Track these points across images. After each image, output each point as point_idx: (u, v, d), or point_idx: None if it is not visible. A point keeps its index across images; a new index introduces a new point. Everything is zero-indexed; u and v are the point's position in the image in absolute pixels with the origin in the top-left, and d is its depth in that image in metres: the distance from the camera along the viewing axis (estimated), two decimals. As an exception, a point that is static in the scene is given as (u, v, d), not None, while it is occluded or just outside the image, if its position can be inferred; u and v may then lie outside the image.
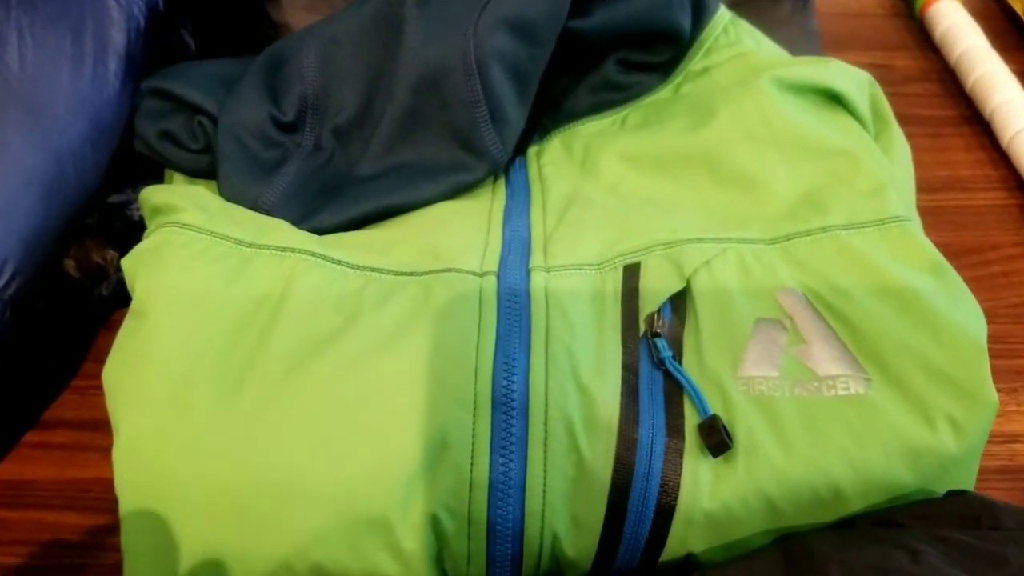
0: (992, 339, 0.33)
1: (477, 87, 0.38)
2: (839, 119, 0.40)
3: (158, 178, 0.44)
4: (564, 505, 0.30)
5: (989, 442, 0.32)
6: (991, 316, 0.34)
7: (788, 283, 0.34)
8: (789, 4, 0.54)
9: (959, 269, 0.34)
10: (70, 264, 0.43)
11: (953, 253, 0.35)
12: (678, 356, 0.32)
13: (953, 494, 0.30)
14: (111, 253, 0.44)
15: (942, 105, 0.61)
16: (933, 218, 0.40)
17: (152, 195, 0.37)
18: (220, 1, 0.52)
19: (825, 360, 0.32)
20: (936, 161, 0.56)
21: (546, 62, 0.41)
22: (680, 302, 0.33)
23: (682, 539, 0.30)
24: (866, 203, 0.36)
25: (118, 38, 0.42)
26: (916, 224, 0.36)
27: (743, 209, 0.36)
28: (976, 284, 0.35)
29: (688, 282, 0.33)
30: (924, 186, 0.43)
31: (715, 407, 0.31)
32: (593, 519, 0.30)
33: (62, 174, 0.39)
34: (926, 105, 0.61)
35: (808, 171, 0.37)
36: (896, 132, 0.42)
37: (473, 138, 0.39)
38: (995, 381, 0.31)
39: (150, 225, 0.36)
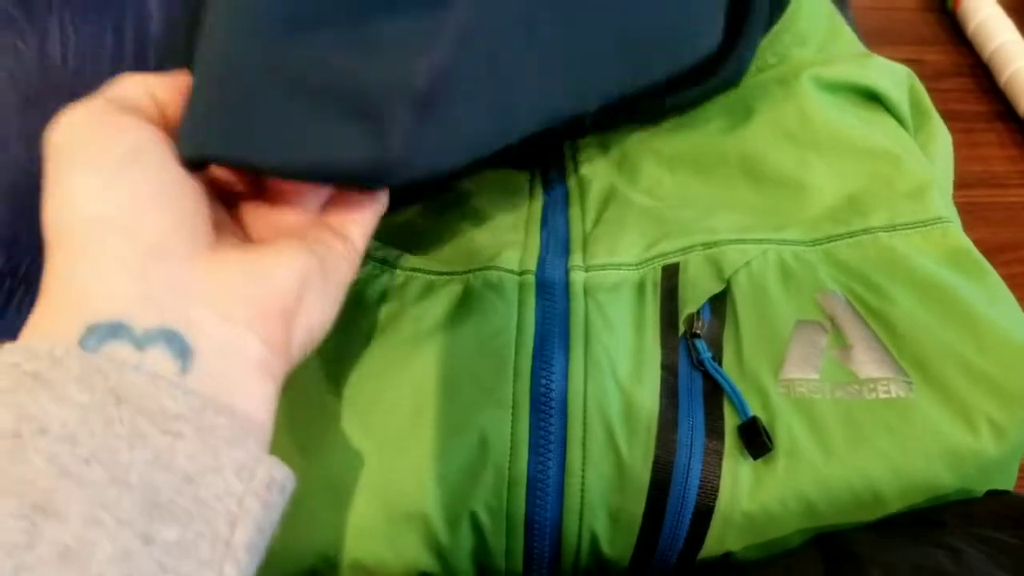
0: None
1: None
2: (878, 118, 0.39)
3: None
4: (602, 504, 0.31)
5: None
6: (1025, 315, 0.33)
7: (829, 284, 0.34)
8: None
9: (993, 266, 0.34)
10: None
11: (987, 250, 0.35)
12: (717, 357, 0.33)
13: (993, 494, 0.30)
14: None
15: (976, 100, 0.61)
16: (967, 214, 0.40)
17: None
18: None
19: (866, 363, 0.32)
20: (970, 156, 0.56)
21: None
22: (720, 303, 0.33)
23: (720, 538, 0.30)
24: (907, 204, 0.35)
25: (157, 31, 0.42)
26: (957, 224, 0.36)
27: (783, 210, 0.36)
28: (1010, 282, 0.35)
29: (728, 283, 0.33)
30: (958, 182, 0.42)
31: (755, 409, 0.31)
32: (631, 518, 0.31)
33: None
34: (959, 100, 0.61)
35: (849, 172, 0.37)
36: (937, 124, 0.42)
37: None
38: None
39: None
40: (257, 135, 0.26)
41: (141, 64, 0.41)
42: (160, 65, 0.42)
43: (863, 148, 0.37)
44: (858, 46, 0.44)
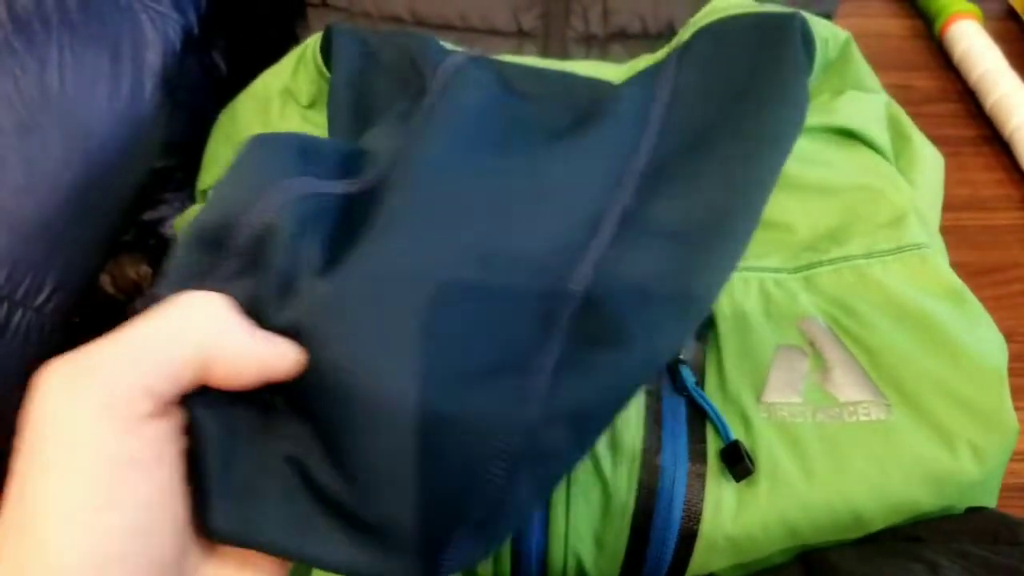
0: (1013, 358, 0.33)
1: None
2: (856, 153, 0.40)
3: (190, 197, 0.46)
4: (588, 529, 0.31)
5: (1010, 460, 0.33)
6: (1011, 335, 0.34)
7: (809, 310, 0.34)
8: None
9: (979, 288, 0.35)
10: (106, 280, 0.44)
11: (973, 272, 0.36)
12: (700, 382, 0.33)
13: (972, 510, 0.31)
14: (145, 269, 0.45)
15: (963, 125, 0.62)
16: (954, 237, 0.40)
17: (184, 222, 0.38)
18: (252, 23, 0.53)
19: (846, 386, 0.32)
20: (957, 180, 0.57)
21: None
22: (702, 329, 0.34)
23: (704, 562, 0.31)
24: (885, 233, 0.36)
25: (153, 59, 0.43)
26: (937, 248, 0.37)
27: (765, 241, 0.37)
28: (996, 303, 0.35)
29: (711, 310, 0.34)
30: (945, 205, 0.43)
31: (737, 432, 0.32)
32: (616, 543, 0.31)
33: (99, 191, 0.40)
34: (947, 125, 0.61)
35: (827, 210, 0.38)
36: (918, 147, 0.42)
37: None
38: (1015, 399, 0.32)
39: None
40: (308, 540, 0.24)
41: (137, 89, 0.42)
42: (155, 91, 0.43)
43: (841, 186, 0.38)
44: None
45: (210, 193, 0.28)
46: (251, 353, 0.24)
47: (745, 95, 0.36)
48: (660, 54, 0.42)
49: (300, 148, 0.31)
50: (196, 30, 0.46)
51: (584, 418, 0.26)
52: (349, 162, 0.33)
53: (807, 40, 0.39)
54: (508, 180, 0.34)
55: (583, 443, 0.26)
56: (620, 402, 0.26)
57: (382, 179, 0.32)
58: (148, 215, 0.46)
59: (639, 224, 0.31)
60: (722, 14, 0.39)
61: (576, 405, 0.26)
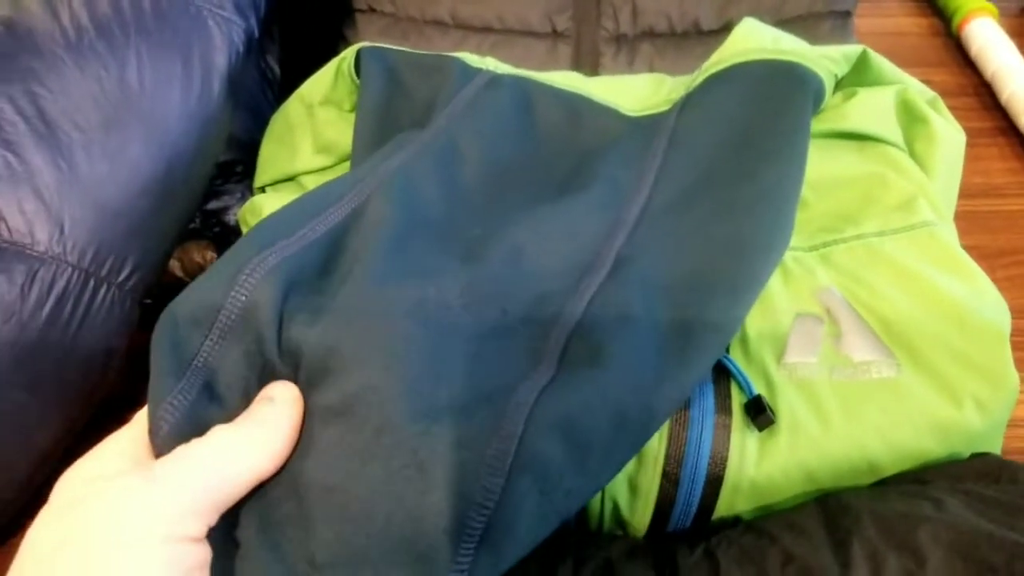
0: (1020, 332, 0.36)
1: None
2: (868, 148, 0.43)
3: (250, 189, 0.49)
4: (623, 476, 0.34)
5: (1013, 426, 0.35)
6: (1021, 312, 0.36)
7: (825, 283, 0.37)
8: (830, 22, 0.58)
9: (993, 269, 0.38)
10: (175, 264, 0.48)
11: (988, 255, 0.39)
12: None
13: (976, 456, 0.33)
14: (211, 254, 0.49)
15: (978, 117, 0.64)
16: (969, 222, 0.43)
17: (247, 212, 0.43)
18: (303, 29, 0.57)
19: (859, 348, 0.35)
20: (972, 169, 0.59)
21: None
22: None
23: (730, 504, 0.34)
24: (896, 214, 0.39)
25: (220, 61, 0.46)
26: (946, 225, 0.40)
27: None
28: (1009, 283, 0.38)
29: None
30: (961, 192, 0.46)
31: (759, 390, 0.34)
32: (649, 488, 0.34)
33: (173, 181, 0.44)
34: (963, 118, 0.63)
35: (841, 196, 0.41)
36: (935, 127, 0.44)
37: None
38: (1021, 370, 0.35)
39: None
40: None
41: (206, 88, 0.45)
42: (221, 90, 0.47)
43: (853, 177, 0.41)
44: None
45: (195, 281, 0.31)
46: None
47: (746, 147, 0.38)
48: (676, 84, 0.45)
49: (270, 223, 0.33)
50: (256, 34, 0.49)
51: (572, 430, 0.27)
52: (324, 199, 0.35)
53: (817, 94, 0.41)
54: (505, 219, 0.37)
55: (583, 460, 0.28)
56: (612, 419, 0.28)
57: (363, 204, 0.35)
58: (212, 204, 0.50)
59: (631, 272, 0.34)
60: (732, 61, 0.42)
61: (560, 415, 0.28)
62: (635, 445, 0.30)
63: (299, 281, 0.31)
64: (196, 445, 0.26)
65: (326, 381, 0.28)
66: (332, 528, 0.26)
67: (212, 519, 0.25)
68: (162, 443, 0.27)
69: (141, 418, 0.28)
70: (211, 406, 0.28)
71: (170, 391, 0.27)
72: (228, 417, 0.28)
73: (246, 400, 0.28)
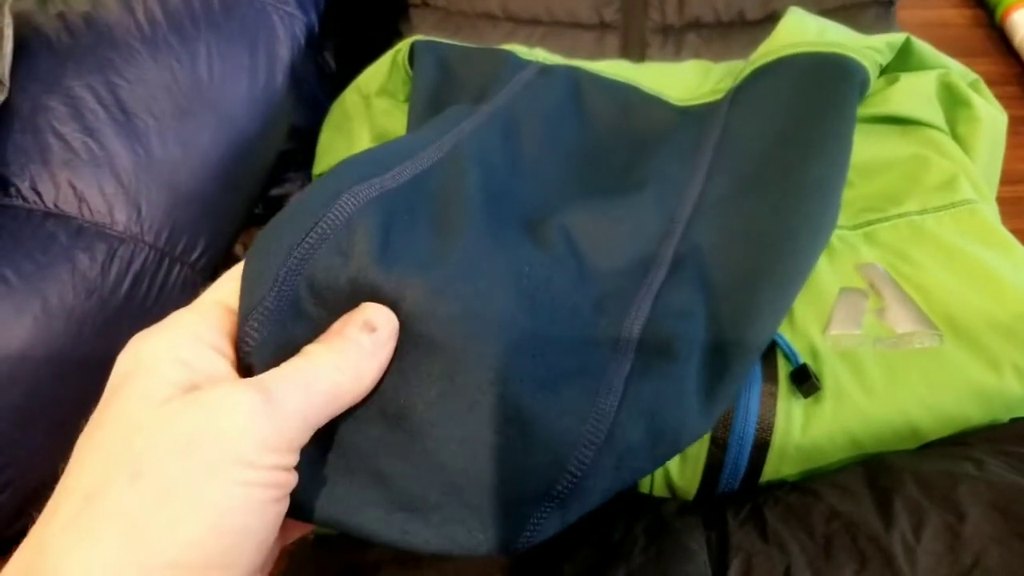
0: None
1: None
2: (911, 131, 0.44)
3: (309, 177, 0.52)
4: (673, 440, 0.36)
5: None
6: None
7: (869, 259, 0.39)
8: (873, 11, 0.59)
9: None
10: (239, 248, 0.50)
11: (1031, 237, 0.40)
12: (773, 319, 0.37)
13: (1016, 420, 0.34)
14: (273, 238, 0.51)
15: (1022, 106, 0.65)
16: (1014, 207, 0.44)
17: None
18: (358, 23, 0.59)
19: (902, 320, 0.36)
20: (1017, 156, 0.60)
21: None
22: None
23: (776, 468, 0.35)
24: (937, 193, 0.40)
25: (284, 54, 0.49)
26: (987, 204, 0.41)
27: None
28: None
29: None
30: (1005, 179, 0.47)
31: (805, 359, 0.36)
32: (698, 454, 0.35)
33: (241, 167, 0.46)
34: (1007, 106, 0.63)
35: (885, 177, 0.42)
36: (977, 108, 0.45)
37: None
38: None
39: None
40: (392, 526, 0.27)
41: (271, 79, 0.48)
42: (284, 82, 0.49)
43: (895, 158, 0.42)
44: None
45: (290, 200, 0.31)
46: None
47: (794, 141, 0.39)
48: (723, 73, 0.46)
49: (361, 160, 0.33)
50: (316, 29, 0.52)
51: (654, 417, 0.29)
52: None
53: (863, 84, 0.42)
54: (565, 207, 0.38)
55: (656, 445, 0.29)
56: (681, 406, 0.30)
57: (444, 158, 0.36)
58: (275, 191, 0.52)
59: (688, 270, 0.35)
60: (780, 53, 0.43)
61: (647, 404, 0.29)
62: (697, 434, 0.31)
63: (397, 217, 0.31)
64: (305, 366, 0.25)
65: (429, 325, 0.28)
66: (436, 464, 0.27)
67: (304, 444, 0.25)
68: (253, 353, 0.26)
69: (212, 299, 0.27)
70: (299, 321, 0.28)
71: (261, 301, 0.27)
72: (315, 333, 0.27)
73: (331, 319, 0.28)
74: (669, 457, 0.31)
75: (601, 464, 0.28)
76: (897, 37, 0.45)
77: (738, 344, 0.33)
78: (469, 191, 0.34)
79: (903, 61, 0.46)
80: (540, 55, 0.48)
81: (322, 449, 0.27)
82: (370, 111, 0.50)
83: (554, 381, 0.29)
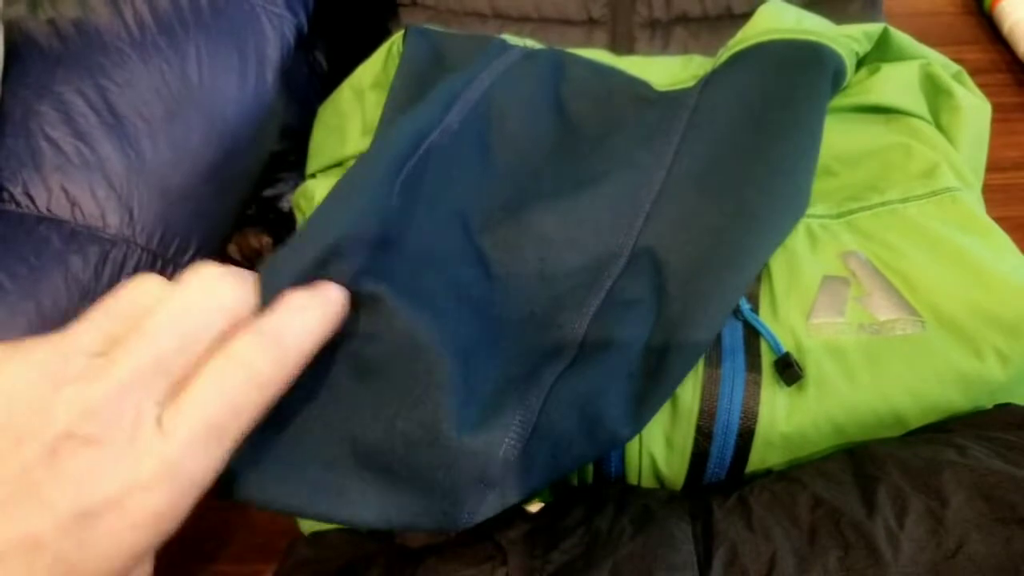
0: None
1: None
2: (893, 120, 0.44)
3: (302, 176, 0.52)
4: (659, 431, 0.36)
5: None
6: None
7: (851, 247, 0.39)
8: (858, 2, 0.59)
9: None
10: (232, 248, 0.51)
11: (1021, 225, 0.40)
12: (755, 309, 0.38)
13: (999, 406, 0.35)
14: (266, 239, 0.52)
15: (1012, 93, 0.65)
16: (1003, 195, 0.45)
17: (299, 197, 0.45)
18: (348, 24, 0.59)
19: (884, 307, 0.37)
20: (1006, 144, 0.60)
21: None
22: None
23: (762, 457, 0.35)
24: (920, 181, 0.41)
25: (273, 55, 0.49)
26: (971, 192, 0.41)
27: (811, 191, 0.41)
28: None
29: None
30: (995, 166, 0.47)
31: (788, 348, 0.36)
32: (684, 443, 0.36)
33: (232, 168, 0.47)
34: (996, 93, 0.64)
35: (867, 166, 0.42)
36: (960, 98, 0.45)
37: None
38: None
39: (300, 219, 0.45)
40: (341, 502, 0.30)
41: (261, 80, 0.48)
42: (274, 83, 0.49)
43: (877, 147, 0.43)
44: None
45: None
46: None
47: (761, 125, 0.40)
48: (704, 63, 0.47)
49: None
50: (306, 29, 0.52)
51: (585, 407, 0.32)
52: None
53: (838, 72, 0.42)
54: (532, 206, 0.39)
55: (593, 433, 0.32)
56: (616, 393, 0.33)
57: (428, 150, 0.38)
58: (267, 192, 0.52)
59: (646, 259, 0.37)
60: (755, 39, 0.43)
61: (579, 395, 0.32)
62: (635, 421, 0.33)
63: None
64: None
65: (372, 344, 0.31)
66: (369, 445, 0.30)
67: None
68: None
69: None
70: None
71: None
72: None
73: None
74: (612, 444, 0.33)
75: (532, 452, 0.31)
76: (875, 27, 0.45)
77: (686, 327, 0.34)
78: (441, 185, 0.37)
79: (883, 52, 0.46)
80: (530, 43, 0.48)
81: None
82: (363, 105, 0.50)
83: (492, 391, 0.32)
